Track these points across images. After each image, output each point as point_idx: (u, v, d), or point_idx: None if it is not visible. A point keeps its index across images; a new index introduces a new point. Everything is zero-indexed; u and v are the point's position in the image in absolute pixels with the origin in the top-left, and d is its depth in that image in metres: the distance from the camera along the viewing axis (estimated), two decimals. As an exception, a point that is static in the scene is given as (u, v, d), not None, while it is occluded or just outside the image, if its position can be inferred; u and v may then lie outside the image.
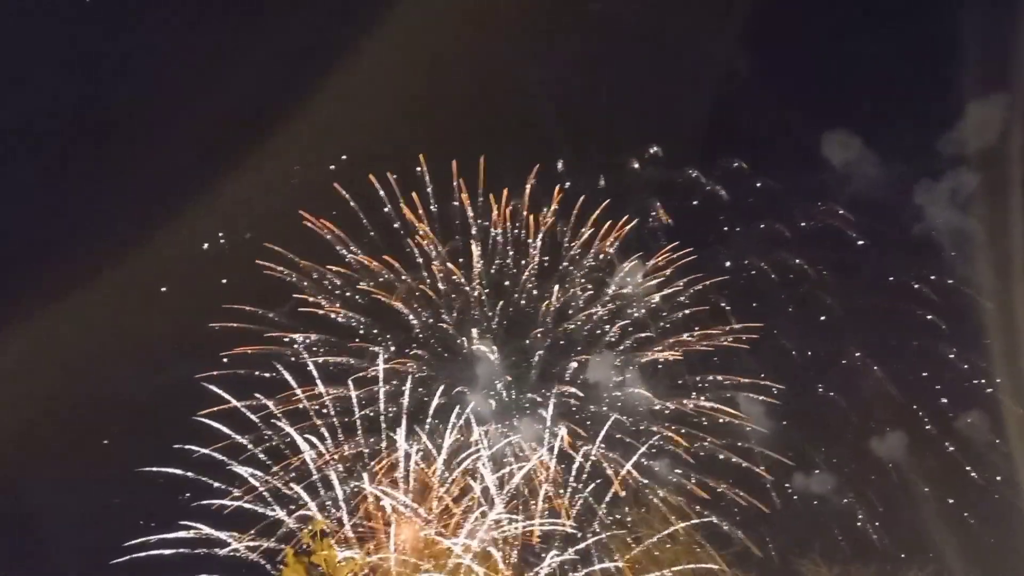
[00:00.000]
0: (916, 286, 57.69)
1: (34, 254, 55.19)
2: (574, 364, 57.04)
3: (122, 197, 55.51)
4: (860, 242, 59.98)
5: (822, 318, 58.27)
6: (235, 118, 56.49)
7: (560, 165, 59.29)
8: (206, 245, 57.33)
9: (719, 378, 55.70)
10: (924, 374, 57.14)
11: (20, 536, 52.06)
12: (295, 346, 54.54)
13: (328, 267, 56.25)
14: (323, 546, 38.57)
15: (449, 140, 57.24)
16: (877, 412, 56.50)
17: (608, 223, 57.37)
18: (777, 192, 60.76)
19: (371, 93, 58.35)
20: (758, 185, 60.86)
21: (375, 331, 56.21)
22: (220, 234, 57.32)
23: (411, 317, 56.79)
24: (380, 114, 58.18)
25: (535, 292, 57.62)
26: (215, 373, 53.22)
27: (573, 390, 55.98)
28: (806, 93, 62.43)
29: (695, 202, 61.11)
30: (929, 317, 57.33)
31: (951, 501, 54.44)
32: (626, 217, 57.63)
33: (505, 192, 57.33)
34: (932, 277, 57.69)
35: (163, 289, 55.13)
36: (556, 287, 57.60)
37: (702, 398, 55.34)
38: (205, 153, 56.51)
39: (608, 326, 57.60)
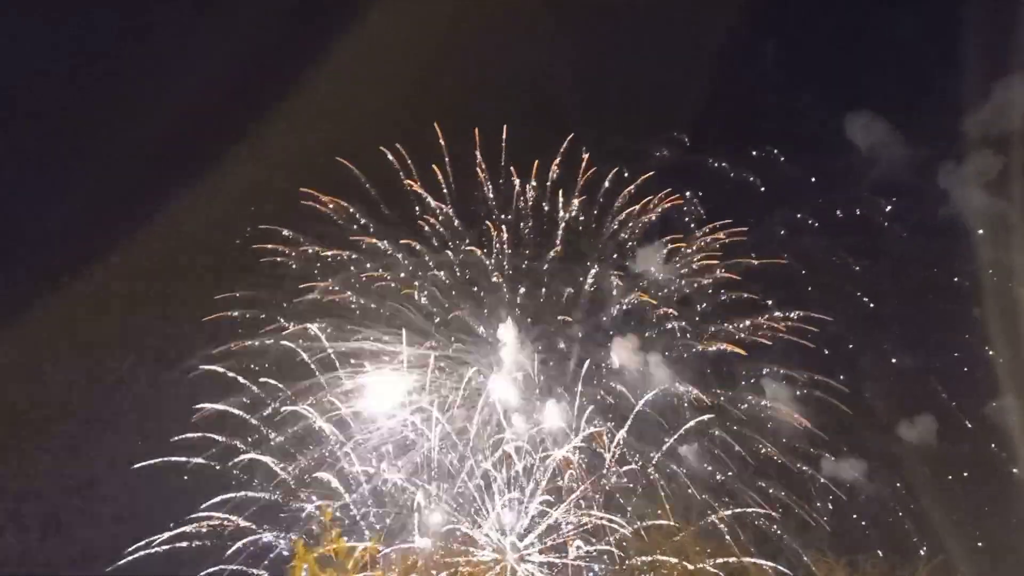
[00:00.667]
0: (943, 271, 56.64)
1: (32, 247, 54.89)
2: (604, 351, 55.72)
3: (124, 190, 54.40)
4: (888, 227, 58.73)
5: (850, 310, 56.57)
6: (242, 95, 55.73)
7: (585, 154, 57.03)
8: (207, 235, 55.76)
9: (779, 370, 54.62)
10: (951, 360, 55.94)
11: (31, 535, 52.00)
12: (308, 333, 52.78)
13: (339, 251, 54.68)
14: (332, 537, 38.37)
15: (468, 120, 55.49)
16: (901, 401, 55.27)
17: (647, 199, 56.07)
18: (801, 177, 59.46)
19: (385, 73, 57.10)
20: (783, 170, 59.44)
21: (397, 323, 54.20)
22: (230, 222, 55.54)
23: (430, 304, 55.28)
24: (394, 97, 56.99)
25: (554, 275, 56.42)
26: (218, 367, 51.80)
27: (614, 386, 54.51)
28: (830, 77, 61.42)
29: (725, 188, 59.42)
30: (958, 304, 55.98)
31: (973, 492, 53.50)
32: (668, 190, 56.12)
33: (536, 164, 55.83)
34: (957, 261, 56.43)
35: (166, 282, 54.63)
36: (594, 269, 56.16)
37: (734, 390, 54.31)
38: (212, 138, 54.83)
39: (646, 312, 56.24)
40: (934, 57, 58.44)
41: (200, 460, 50.31)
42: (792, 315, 53.83)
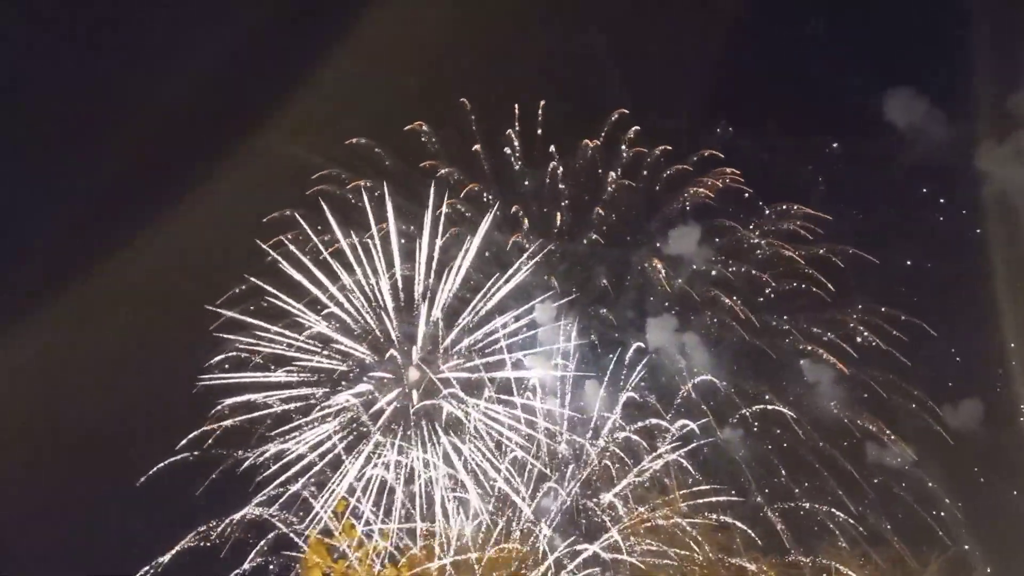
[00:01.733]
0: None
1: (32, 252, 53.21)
2: (645, 337, 54.24)
3: (128, 185, 52.66)
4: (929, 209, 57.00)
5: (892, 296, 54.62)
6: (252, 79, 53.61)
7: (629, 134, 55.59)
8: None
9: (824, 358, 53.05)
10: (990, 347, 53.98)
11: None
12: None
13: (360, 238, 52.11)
14: (344, 528, 37.48)
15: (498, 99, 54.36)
16: (943, 392, 53.46)
17: (698, 178, 54.68)
18: (840, 159, 57.58)
19: (410, 50, 54.57)
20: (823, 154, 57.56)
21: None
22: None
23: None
24: (420, 75, 54.56)
25: (593, 258, 55.11)
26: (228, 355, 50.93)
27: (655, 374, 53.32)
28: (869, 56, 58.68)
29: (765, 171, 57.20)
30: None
31: (1005, 485, 52.21)
32: (731, 170, 54.70)
33: (587, 142, 54.47)
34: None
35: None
36: (635, 253, 55.21)
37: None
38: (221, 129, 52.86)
39: (690, 298, 54.78)
40: (976, 35, 55.58)
41: (238, 454, 49.63)
42: (860, 307, 52.86)
